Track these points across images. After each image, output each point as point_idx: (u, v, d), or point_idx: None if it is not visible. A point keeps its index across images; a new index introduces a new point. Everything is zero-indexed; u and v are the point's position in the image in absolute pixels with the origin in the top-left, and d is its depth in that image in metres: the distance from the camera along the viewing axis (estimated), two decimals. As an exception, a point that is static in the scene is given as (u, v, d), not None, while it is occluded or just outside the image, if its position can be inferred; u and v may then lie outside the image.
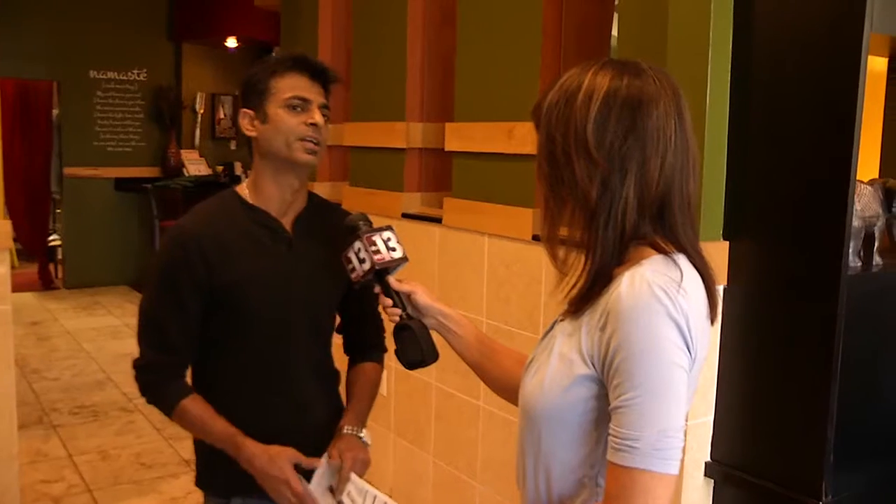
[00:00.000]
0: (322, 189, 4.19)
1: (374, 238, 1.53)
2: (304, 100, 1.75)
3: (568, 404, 1.15)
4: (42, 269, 8.56)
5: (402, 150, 3.53)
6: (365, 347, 2.06)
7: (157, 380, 1.78)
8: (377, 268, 1.51)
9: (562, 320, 1.23)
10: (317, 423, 1.89)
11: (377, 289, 1.53)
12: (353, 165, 3.97)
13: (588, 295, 1.15)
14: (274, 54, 1.84)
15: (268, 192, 1.80)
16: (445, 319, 1.51)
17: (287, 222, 1.83)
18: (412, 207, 3.50)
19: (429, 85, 3.53)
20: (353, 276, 1.54)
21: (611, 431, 1.08)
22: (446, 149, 3.21)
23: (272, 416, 1.83)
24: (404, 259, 1.54)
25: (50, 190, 8.78)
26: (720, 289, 2.16)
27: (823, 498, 1.95)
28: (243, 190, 1.83)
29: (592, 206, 1.14)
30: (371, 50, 3.77)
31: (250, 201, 1.81)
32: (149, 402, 1.81)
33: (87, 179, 8.21)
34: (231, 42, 8.55)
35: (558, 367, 1.17)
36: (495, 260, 2.98)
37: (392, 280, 1.52)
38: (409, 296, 1.51)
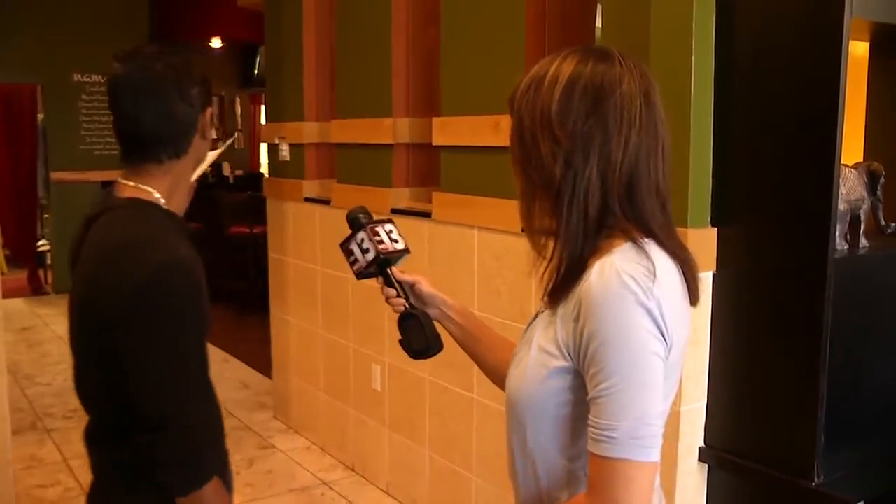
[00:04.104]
0: (311, 187, 4.20)
1: (377, 229, 1.52)
2: None
3: (547, 395, 1.16)
4: (31, 274, 8.53)
5: (390, 145, 3.53)
6: None
7: (196, 446, 1.47)
8: (382, 257, 1.49)
9: (543, 311, 1.23)
10: None
11: (379, 280, 1.52)
12: (340, 162, 3.97)
13: (563, 285, 1.16)
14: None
15: (181, 197, 1.63)
16: (448, 309, 1.51)
17: None
18: (401, 203, 3.50)
19: (414, 80, 3.54)
20: (356, 267, 1.52)
21: (589, 422, 1.07)
22: (434, 143, 3.21)
23: (222, 433, 1.71)
24: (406, 251, 1.53)
25: (37, 195, 8.73)
26: (709, 275, 2.18)
27: (816, 479, 1.97)
28: (151, 195, 1.57)
29: (557, 185, 1.14)
30: (356, 47, 3.76)
31: (168, 208, 1.59)
32: (178, 474, 1.45)
33: (75, 184, 8.18)
34: (216, 42, 8.52)
35: (537, 359, 1.17)
36: (485, 252, 2.99)
37: (395, 271, 1.51)
38: (412, 286, 1.51)
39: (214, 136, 10.23)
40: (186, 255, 1.50)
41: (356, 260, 1.51)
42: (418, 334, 1.47)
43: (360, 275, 1.53)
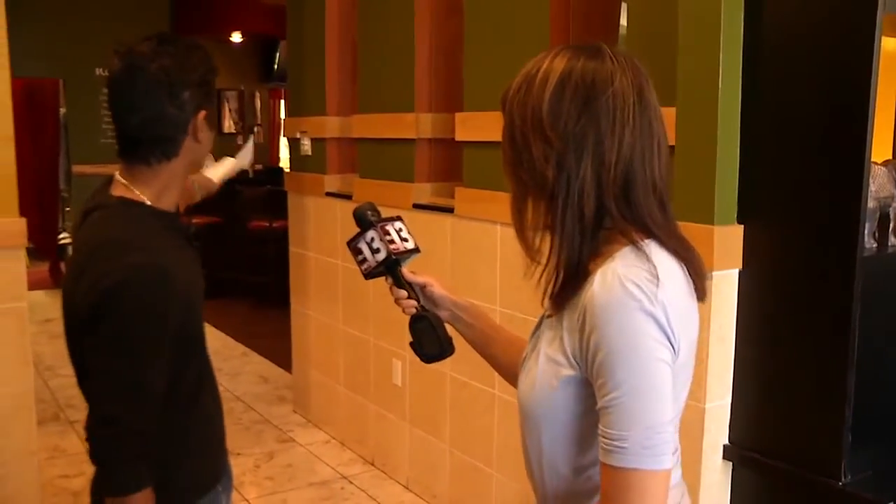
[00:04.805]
0: (332, 181, 4.21)
1: (387, 228, 1.48)
2: None
3: (560, 405, 1.15)
4: (53, 267, 8.60)
5: (412, 140, 3.53)
6: None
7: (129, 452, 1.46)
8: (393, 257, 1.46)
9: (548, 316, 1.22)
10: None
11: (388, 281, 1.49)
12: (362, 157, 3.97)
13: (564, 291, 1.14)
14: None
15: (173, 196, 1.62)
16: (459, 311, 1.49)
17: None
18: (423, 198, 3.51)
19: (437, 75, 3.54)
20: (364, 267, 1.48)
21: (600, 432, 1.06)
22: (457, 139, 3.21)
23: (220, 433, 1.78)
24: (416, 250, 1.50)
25: (59, 188, 8.81)
26: (735, 272, 2.16)
27: (842, 478, 1.96)
28: (138, 196, 1.57)
29: (550, 187, 1.13)
30: (378, 41, 3.77)
31: (158, 207, 1.59)
32: (106, 473, 1.49)
33: (96, 177, 8.23)
34: (236, 36, 8.56)
35: (546, 369, 1.16)
36: (507, 248, 2.99)
37: (405, 272, 1.48)
38: (423, 287, 1.49)
39: (234, 132, 10.30)
40: (164, 258, 1.50)
41: (365, 259, 1.47)
42: (430, 338, 1.45)
43: (369, 275, 1.49)
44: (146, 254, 1.49)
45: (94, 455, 1.48)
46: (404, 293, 1.47)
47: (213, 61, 1.61)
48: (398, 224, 1.50)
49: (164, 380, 1.50)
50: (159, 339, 1.48)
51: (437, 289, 1.49)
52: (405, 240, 1.49)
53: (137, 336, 1.46)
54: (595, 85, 1.10)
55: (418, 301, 1.47)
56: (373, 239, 1.47)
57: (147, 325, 1.46)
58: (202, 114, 1.57)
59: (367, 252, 1.47)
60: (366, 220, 1.48)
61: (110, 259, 1.47)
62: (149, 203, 1.56)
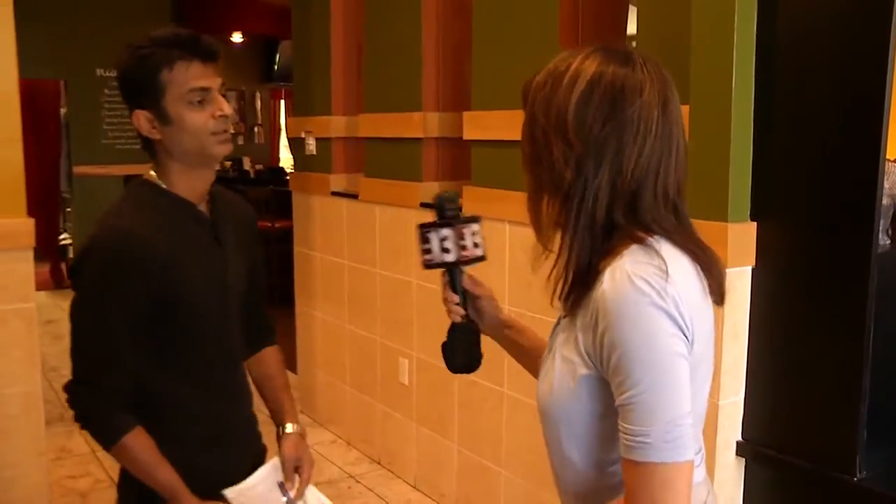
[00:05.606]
0: (338, 180, 4.20)
1: (464, 231, 1.41)
2: (205, 89, 1.58)
3: (578, 406, 1.15)
4: (54, 268, 8.59)
5: (419, 139, 3.53)
6: (262, 331, 1.93)
7: (101, 406, 1.56)
8: (460, 263, 1.41)
9: (565, 317, 1.22)
10: (255, 423, 1.87)
11: (444, 278, 1.44)
12: (368, 156, 3.97)
13: (576, 291, 1.15)
14: (152, 35, 1.60)
15: (183, 185, 1.65)
16: (506, 329, 1.48)
17: (204, 209, 1.70)
18: (431, 197, 3.49)
19: (444, 74, 3.54)
20: (427, 257, 1.42)
21: (620, 429, 1.07)
22: (465, 138, 3.21)
23: (225, 427, 1.76)
24: (483, 258, 1.44)
25: (60, 189, 8.80)
26: (748, 269, 2.17)
27: (858, 474, 1.96)
28: (156, 178, 1.65)
29: (566, 189, 1.13)
30: (384, 41, 3.77)
31: (172, 190, 1.65)
32: (87, 429, 1.59)
33: (97, 178, 8.23)
34: (237, 37, 8.55)
35: (563, 370, 1.16)
36: (516, 246, 2.99)
37: (467, 280, 1.44)
38: (476, 298, 1.46)
39: (234, 132, 10.32)
40: (140, 224, 1.56)
41: (430, 250, 1.41)
42: (464, 349, 1.43)
43: (429, 267, 1.43)
44: (120, 220, 1.58)
45: (75, 414, 1.58)
46: (456, 298, 1.44)
47: (137, 59, 1.58)
48: (475, 227, 1.44)
49: (132, 340, 1.57)
50: (122, 296, 1.54)
51: (488, 306, 1.47)
52: (477, 245, 1.43)
53: (96, 291, 1.55)
54: (624, 93, 1.10)
55: (466, 310, 1.44)
56: (446, 238, 1.41)
57: (107, 280, 1.54)
58: (137, 114, 1.60)
59: (434, 245, 1.41)
60: (445, 213, 1.42)
61: (95, 230, 1.58)
62: (159, 183, 1.64)
